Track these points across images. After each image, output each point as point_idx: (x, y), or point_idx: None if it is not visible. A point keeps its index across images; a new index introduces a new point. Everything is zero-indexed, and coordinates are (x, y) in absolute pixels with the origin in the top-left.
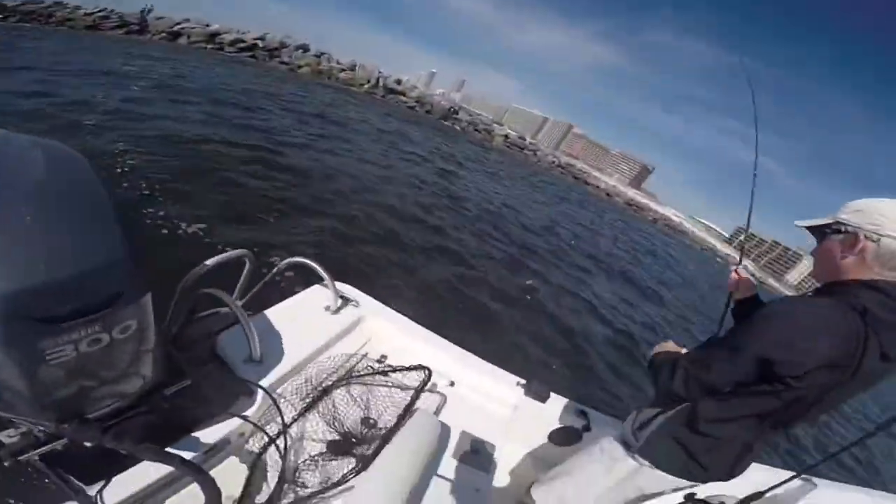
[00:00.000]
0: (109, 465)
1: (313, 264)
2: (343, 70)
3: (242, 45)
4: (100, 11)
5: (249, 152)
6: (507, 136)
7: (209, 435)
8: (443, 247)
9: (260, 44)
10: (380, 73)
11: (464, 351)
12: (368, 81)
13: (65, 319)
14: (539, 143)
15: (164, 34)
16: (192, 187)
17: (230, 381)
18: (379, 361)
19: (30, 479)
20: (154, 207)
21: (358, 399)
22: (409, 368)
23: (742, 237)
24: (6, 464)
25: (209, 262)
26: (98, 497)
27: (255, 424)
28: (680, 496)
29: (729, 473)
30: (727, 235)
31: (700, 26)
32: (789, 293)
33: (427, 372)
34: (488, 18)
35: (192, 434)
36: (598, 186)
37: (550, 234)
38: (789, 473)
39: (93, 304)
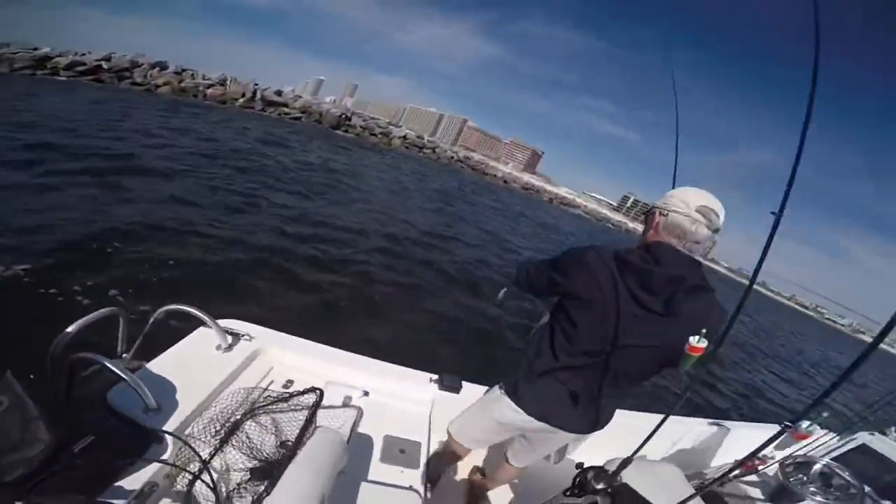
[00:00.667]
0: None
1: (189, 308)
2: (212, 85)
3: (82, 67)
4: None
5: (92, 178)
6: (405, 137)
7: (134, 482)
8: (327, 258)
9: (105, 65)
10: (256, 85)
11: (371, 359)
12: (244, 95)
13: None
14: (437, 140)
15: None
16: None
17: (135, 431)
18: (285, 387)
19: None
20: None
21: (268, 427)
22: (303, 392)
23: (629, 202)
24: None
25: (71, 327)
26: None
27: (175, 465)
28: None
29: (559, 417)
30: (615, 204)
31: (568, 15)
32: None
33: (319, 392)
34: (369, 22)
35: (117, 483)
36: (495, 175)
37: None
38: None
39: None
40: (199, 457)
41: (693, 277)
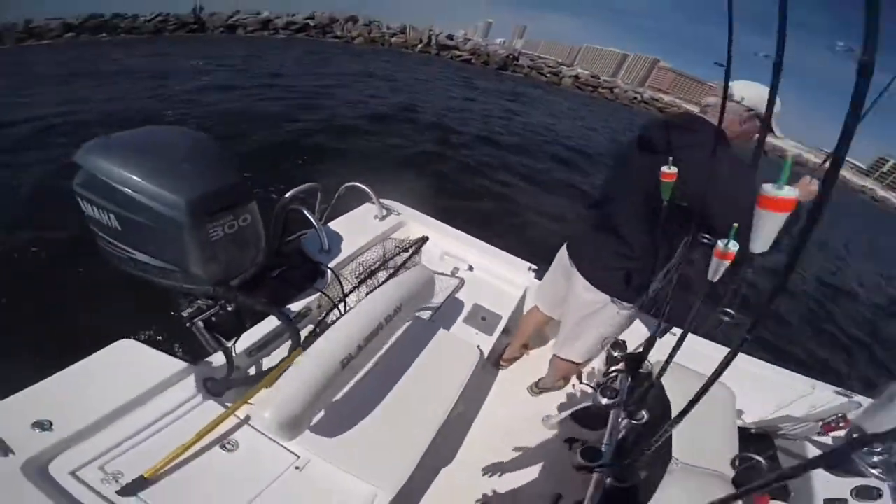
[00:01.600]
0: (240, 326)
1: (363, 186)
2: (395, 34)
3: (295, 26)
4: (158, 16)
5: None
6: (576, 77)
7: (298, 305)
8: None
9: (311, 23)
10: (430, 30)
11: (485, 244)
12: (421, 41)
13: (216, 212)
14: (618, 81)
15: (221, 28)
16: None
17: (311, 267)
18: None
19: (194, 337)
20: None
21: (391, 271)
22: (416, 242)
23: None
24: (186, 325)
25: (289, 193)
26: (233, 347)
27: (323, 293)
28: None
29: (574, 249)
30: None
31: None
32: None
33: (424, 238)
34: None
35: (290, 304)
36: None
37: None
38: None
39: (227, 204)
40: (343, 289)
41: (692, 127)
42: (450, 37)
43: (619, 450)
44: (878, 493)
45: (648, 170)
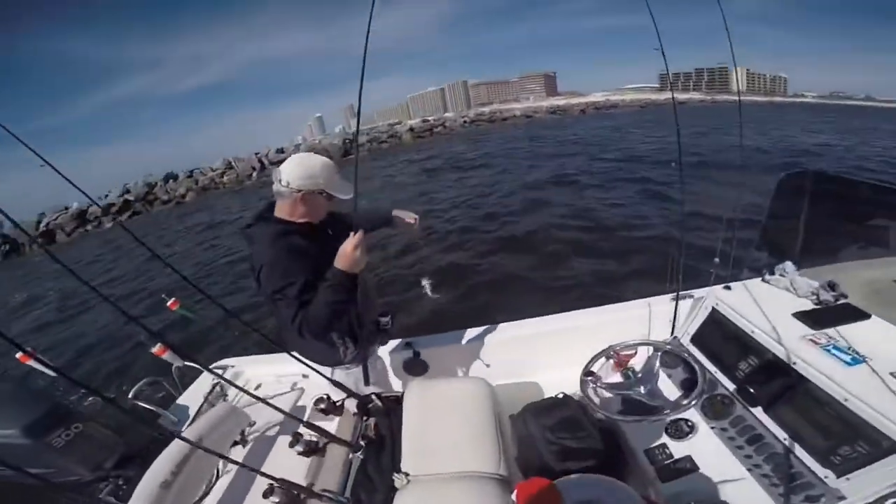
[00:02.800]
0: None
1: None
2: (223, 173)
3: (115, 208)
4: None
5: None
6: (412, 129)
7: None
8: None
9: (129, 197)
10: (256, 154)
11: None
12: (254, 168)
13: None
14: (448, 115)
15: (40, 239)
16: None
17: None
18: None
19: None
20: None
21: None
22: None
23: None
24: None
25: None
26: None
27: None
28: None
29: None
30: (657, 85)
31: None
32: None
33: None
34: (320, 43)
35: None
36: (514, 115)
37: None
38: None
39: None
40: None
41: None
42: (280, 150)
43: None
44: (690, 427)
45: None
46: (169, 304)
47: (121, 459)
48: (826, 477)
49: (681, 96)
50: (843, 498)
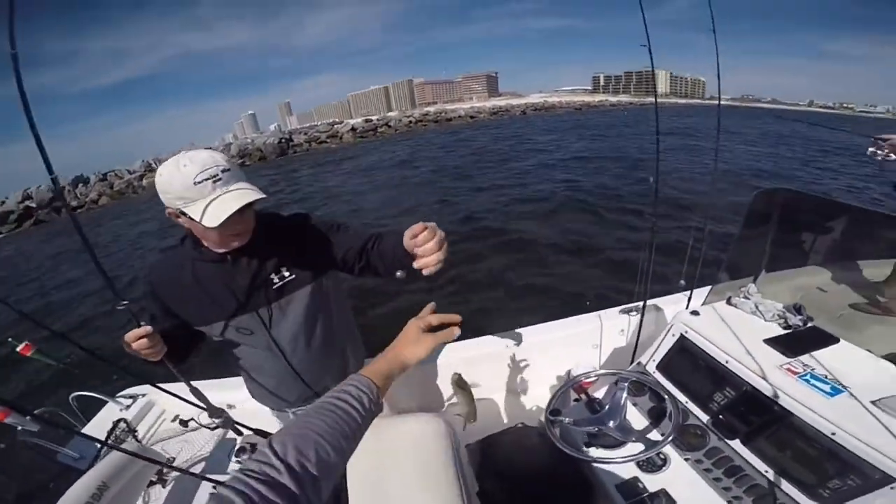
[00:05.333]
0: None
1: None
2: (142, 176)
3: (14, 216)
4: None
5: None
6: (353, 129)
7: None
8: None
9: (31, 204)
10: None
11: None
12: None
13: None
14: (392, 114)
15: None
16: None
17: None
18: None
19: None
20: None
21: None
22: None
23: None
24: None
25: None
26: None
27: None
28: None
29: None
30: (590, 87)
31: None
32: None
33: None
34: (255, 38)
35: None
36: (459, 116)
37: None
38: None
39: None
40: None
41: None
42: (208, 149)
43: None
44: (662, 459)
45: None
46: (20, 349)
47: None
48: None
49: (611, 98)
50: None
